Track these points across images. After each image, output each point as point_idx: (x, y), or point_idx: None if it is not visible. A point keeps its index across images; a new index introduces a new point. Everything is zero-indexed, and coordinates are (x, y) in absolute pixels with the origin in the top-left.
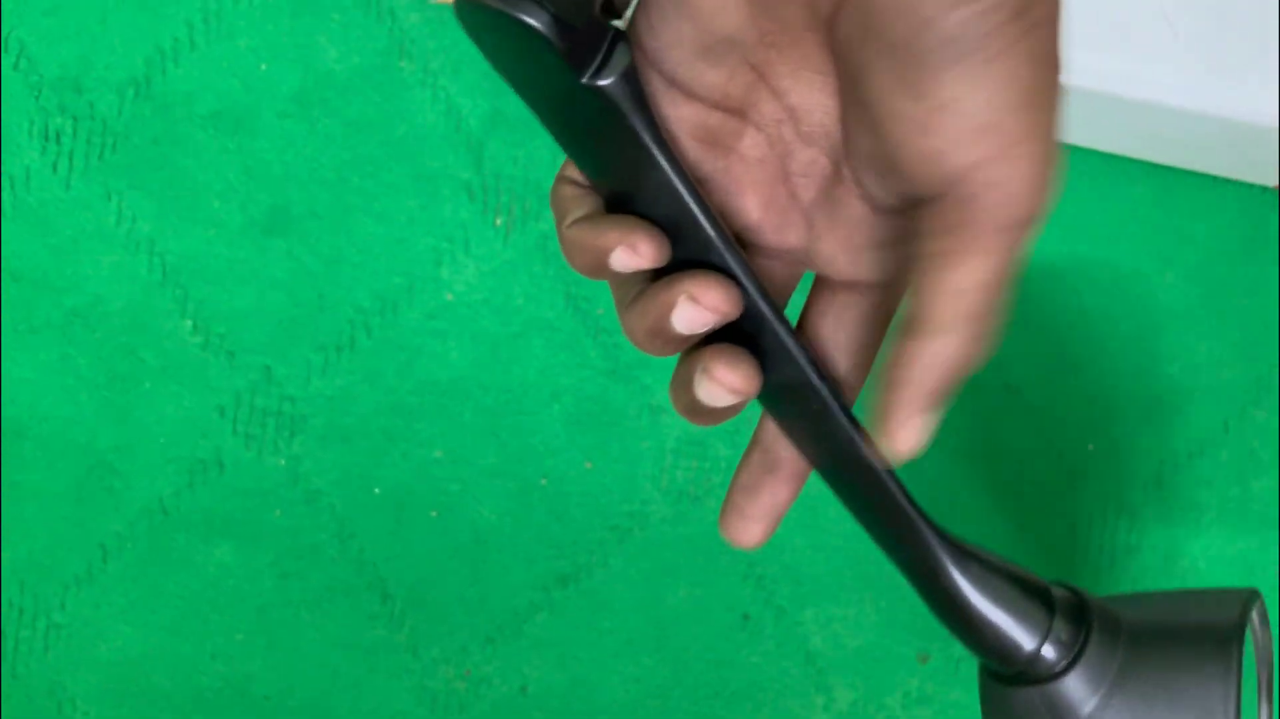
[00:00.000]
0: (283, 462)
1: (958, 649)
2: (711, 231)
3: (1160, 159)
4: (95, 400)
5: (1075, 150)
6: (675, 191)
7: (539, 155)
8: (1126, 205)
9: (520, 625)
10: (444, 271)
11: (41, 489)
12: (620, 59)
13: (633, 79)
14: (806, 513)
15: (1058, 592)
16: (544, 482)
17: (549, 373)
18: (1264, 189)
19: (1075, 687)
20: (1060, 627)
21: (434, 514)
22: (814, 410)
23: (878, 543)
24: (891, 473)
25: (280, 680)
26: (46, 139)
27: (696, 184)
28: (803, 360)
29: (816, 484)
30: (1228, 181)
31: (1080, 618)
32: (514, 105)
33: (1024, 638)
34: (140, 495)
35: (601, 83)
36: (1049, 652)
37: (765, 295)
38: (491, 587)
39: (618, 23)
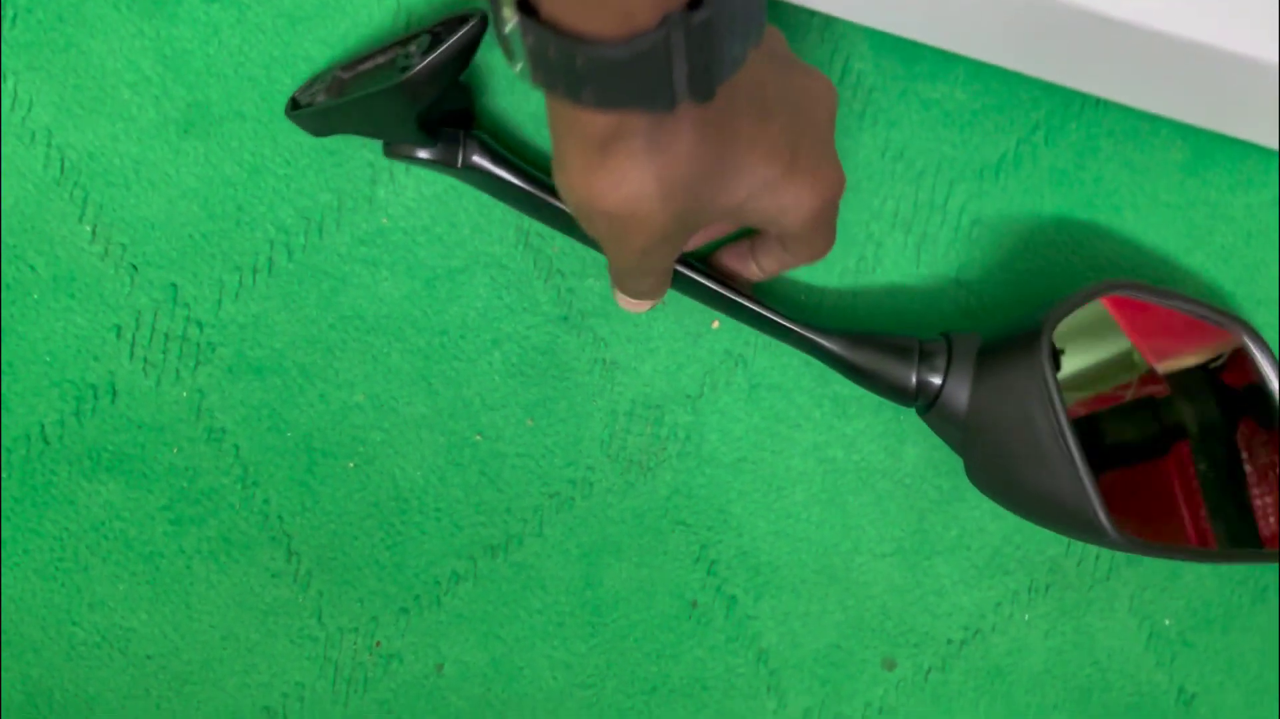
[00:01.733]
0: (184, 394)
1: (927, 657)
2: None
3: (1198, 121)
4: None
5: (1104, 105)
6: None
7: (497, 66)
8: (1156, 173)
9: (439, 597)
10: (380, 191)
11: None
12: (468, 144)
13: (485, 149)
14: (771, 493)
15: (929, 343)
16: (478, 438)
17: (491, 316)
18: None
19: (951, 397)
20: (927, 364)
21: (351, 465)
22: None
23: (781, 339)
24: (775, 309)
25: (166, 639)
26: None
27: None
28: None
29: (787, 465)
30: (1273, 153)
31: (943, 353)
32: (471, 5)
33: (902, 376)
34: (19, 420)
35: (474, 160)
36: (926, 380)
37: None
38: (410, 551)
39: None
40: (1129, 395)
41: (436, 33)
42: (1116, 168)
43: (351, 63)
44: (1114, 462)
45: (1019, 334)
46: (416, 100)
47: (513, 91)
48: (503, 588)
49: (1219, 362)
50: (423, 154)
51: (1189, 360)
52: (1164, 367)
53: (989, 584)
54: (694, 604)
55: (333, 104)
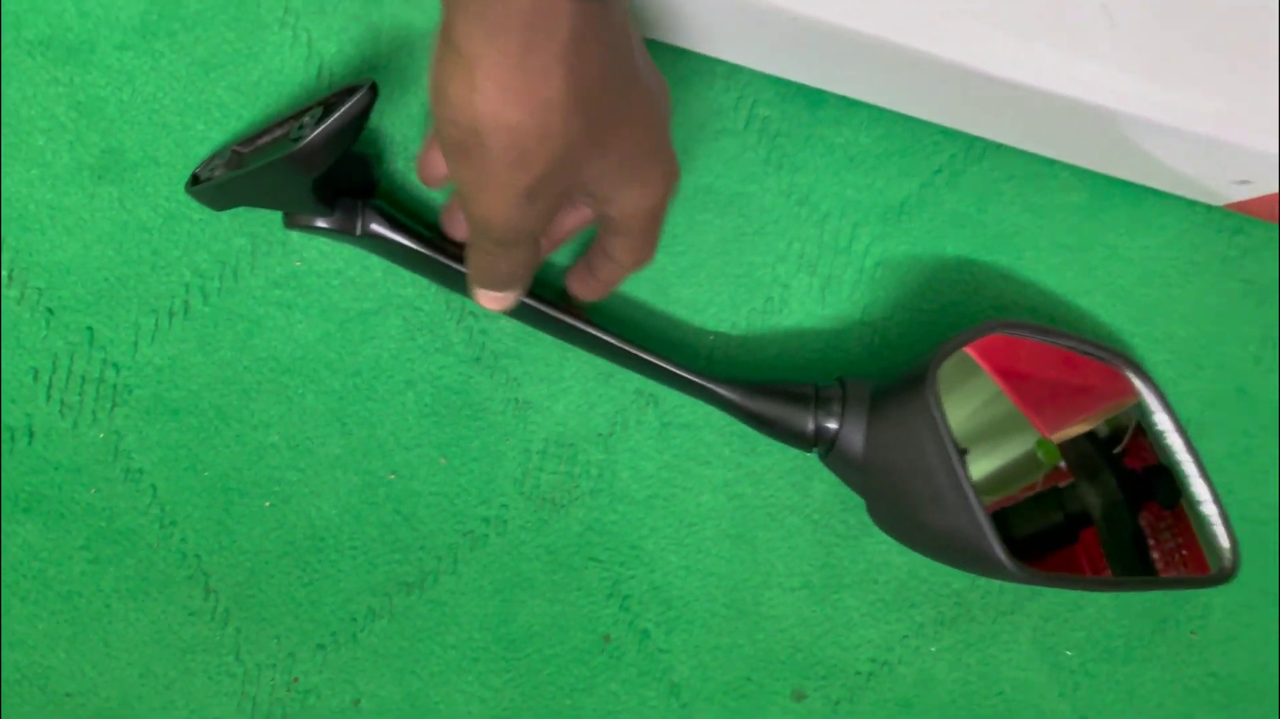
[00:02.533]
0: (102, 435)
1: (836, 689)
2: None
3: (1096, 167)
4: None
5: (1005, 149)
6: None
7: (410, 111)
8: (1055, 215)
9: (356, 633)
10: (293, 235)
11: None
12: (365, 213)
13: (383, 216)
14: (682, 529)
15: (824, 389)
16: (392, 477)
17: (405, 357)
18: (1209, 208)
19: (847, 442)
20: (823, 410)
21: (267, 505)
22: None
23: (680, 390)
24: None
25: (84, 677)
26: None
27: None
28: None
29: (697, 502)
30: (1170, 197)
31: (838, 399)
32: (384, 55)
33: (799, 423)
34: None
35: (372, 228)
36: (823, 426)
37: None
38: (326, 589)
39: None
40: (1036, 489)
41: (329, 104)
42: (1017, 211)
43: (249, 138)
44: (1026, 554)
45: (908, 376)
46: (309, 171)
47: (411, 165)
48: (418, 624)
49: (1119, 447)
50: (321, 223)
51: (1082, 427)
52: (1058, 437)
53: (896, 617)
54: (607, 639)
55: (230, 177)
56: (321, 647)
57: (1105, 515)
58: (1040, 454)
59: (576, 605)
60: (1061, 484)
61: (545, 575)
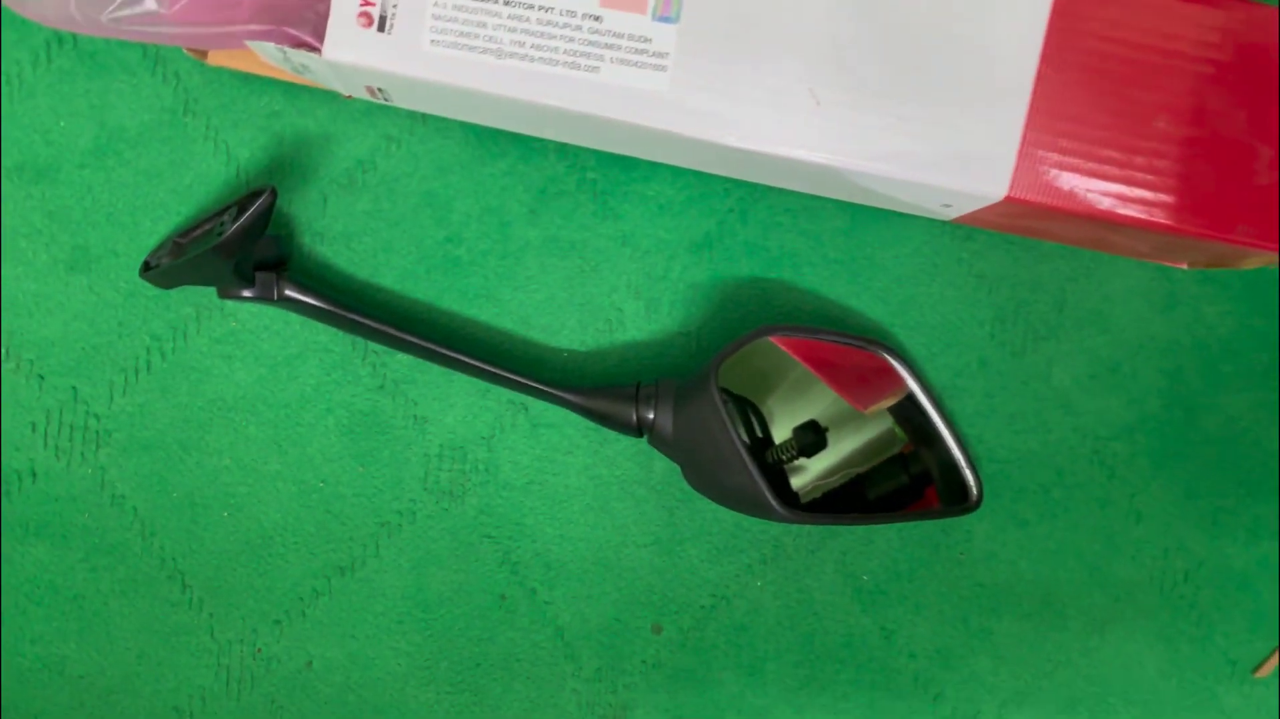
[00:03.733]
0: (90, 471)
1: (686, 621)
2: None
3: (849, 199)
4: None
5: (778, 191)
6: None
7: (309, 199)
8: (825, 238)
9: (304, 609)
10: (227, 303)
11: None
12: (280, 282)
13: (294, 283)
14: (555, 506)
15: (644, 387)
16: (322, 484)
17: (324, 389)
18: (943, 223)
19: (661, 427)
20: (644, 404)
21: (225, 514)
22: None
23: (536, 398)
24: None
25: (92, 662)
26: None
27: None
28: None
29: (565, 484)
30: (912, 217)
31: (653, 395)
32: (286, 155)
33: (626, 415)
34: None
35: (286, 293)
36: (644, 416)
37: None
38: (278, 576)
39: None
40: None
41: (243, 204)
42: (794, 236)
43: (186, 230)
44: (887, 508)
45: (699, 374)
46: (231, 257)
47: (316, 241)
48: (352, 599)
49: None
50: (246, 294)
51: (889, 400)
52: (872, 410)
53: (728, 560)
54: (503, 598)
55: (172, 265)
56: (278, 622)
57: (940, 475)
58: (896, 431)
59: (476, 574)
60: (906, 452)
61: (449, 552)
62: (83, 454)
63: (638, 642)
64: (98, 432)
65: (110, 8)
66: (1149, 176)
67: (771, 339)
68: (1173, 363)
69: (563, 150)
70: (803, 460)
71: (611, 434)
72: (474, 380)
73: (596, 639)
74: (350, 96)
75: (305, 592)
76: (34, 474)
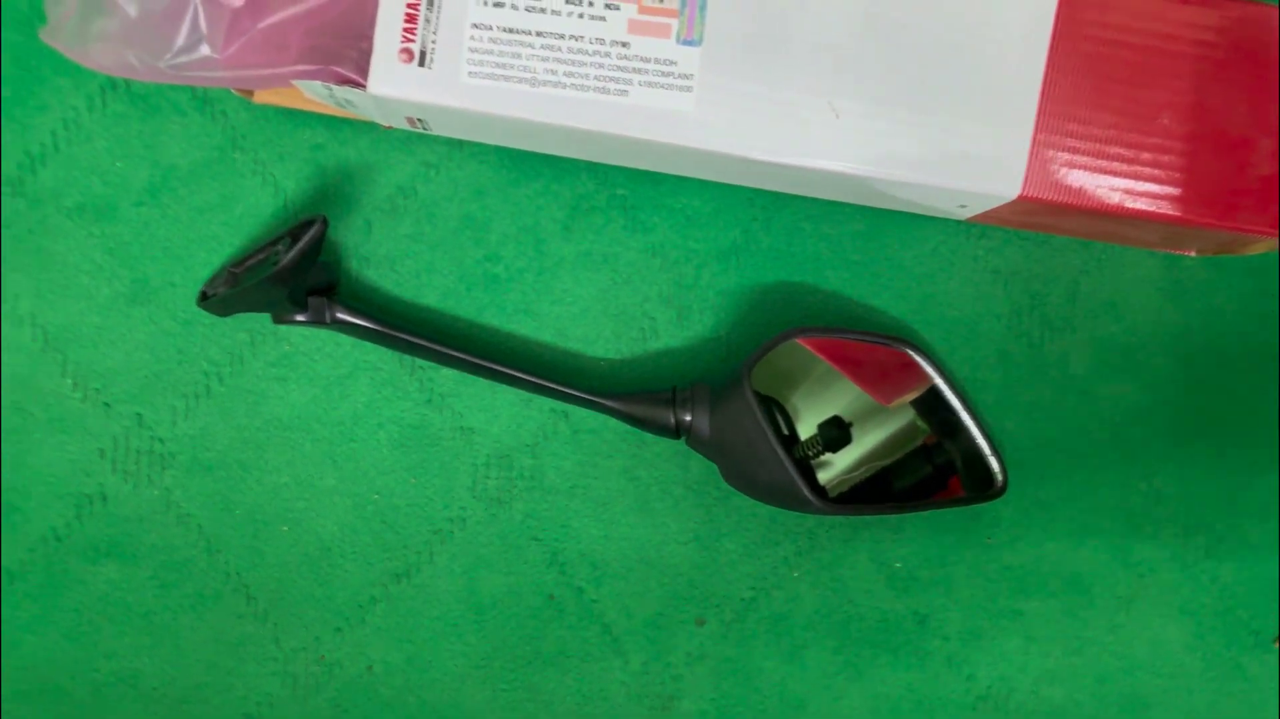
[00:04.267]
0: (156, 492)
1: (728, 613)
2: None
3: (868, 204)
4: None
5: (800, 199)
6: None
7: (354, 225)
8: (845, 241)
9: (364, 616)
10: (281, 327)
11: None
12: (331, 306)
13: (345, 306)
14: (598, 508)
15: (681, 391)
16: (376, 496)
17: (375, 406)
18: (959, 222)
19: (698, 429)
20: (681, 408)
21: (285, 529)
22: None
23: (583, 406)
24: (569, 384)
25: (165, 674)
26: None
27: None
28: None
29: (607, 486)
30: (928, 217)
31: (689, 398)
32: (330, 184)
33: (664, 419)
34: (37, 528)
35: (338, 316)
36: (681, 419)
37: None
38: (337, 585)
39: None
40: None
41: (295, 234)
42: (816, 241)
43: (240, 260)
44: (912, 499)
45: (732, 376)
46: (285, 285)
47: (363, 265)
48: (409, 604)
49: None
50: (299, 318)
51: (911, 394)
52: (896, 404)
53: (765, 553)
54: (552, 597)
55: (229, 294)
56: (339, 629)
57: (966, 465)
58: (918, 423)
59: (525, 576)
60: (929, 443)
61: (499, 556)
62: (149, 477)
63: (682, 635)
64: (162, 455)
65: (168, 55)
66: (1155, 171)
67: (798, 340)
68: (1184, 347)
69: (593, 169)
70: (828, 455)
71: (649, 437)
72: (515, 392)
73: (642, 634)
74: (390, 127)
75: (364, 599)
76: (104, 497)
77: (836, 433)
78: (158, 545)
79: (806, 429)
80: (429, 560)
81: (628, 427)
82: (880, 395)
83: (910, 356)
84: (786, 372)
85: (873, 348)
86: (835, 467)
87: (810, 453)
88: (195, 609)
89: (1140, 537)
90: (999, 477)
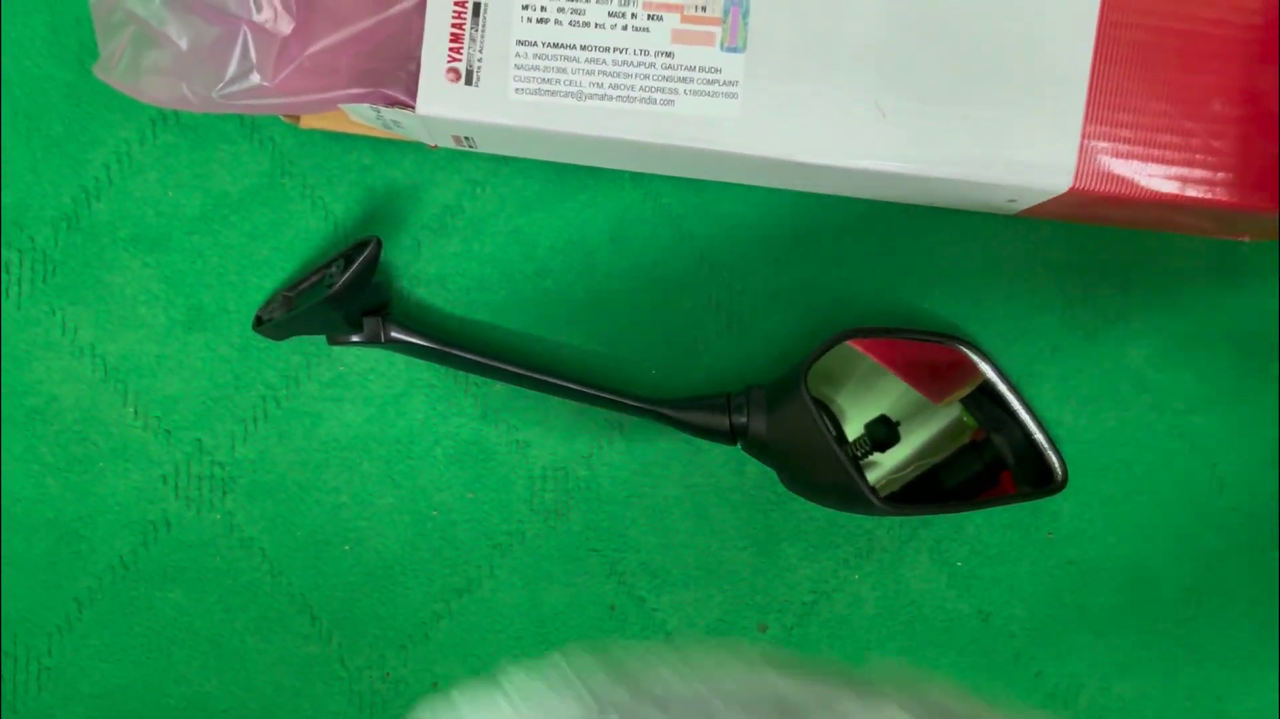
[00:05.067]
0: (218, 517)
1: (789, 618)
2: None
3: (917, 201)
4: (59, 481)
5: (847, 199)
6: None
7: (403, 244)
8: (895, 241)
9: (427, 632)
10: (334, 349)
11: (21, 557)
12: (385, 325)
13: (399, 324)
14: (655, 517)
15: (735, 395)
16: (435, 513)
17: (430, 423)
18: (1007, 217)
19: (754, 432)
20: (736, 412)
21: (347, 548)
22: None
23: (631, 414)
24: (622, 392)
25: (234, 696)
26: None
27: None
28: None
29: (663, 494)
30: (977, 213)
31: (745, 402)
32: (379, 206)
33: (720, 424)
34: (104, 556)
35: (393, 335)
36: (737, 423)
37: None
38: (400, 603)
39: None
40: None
41: (349, 257)
42: (863, 241)
43: (293, 284)
44: (963, 496)
45: (788, 378)
46: (341, 307)
47: (414, 284)
48: (472, 619)
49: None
50: (355, 339)
51: (962, 390)
52: (946, 401)
53: (824, 557)
54: (613, 608)
55: (286, 318)
56: (403, 647)
57: (1015, 459)
58: (965, 419)
59: (585, 587)
60: (979, 440)
61: (559, 568)
62: (211, 501)
63: (745, 640)
64: (223, 479)
65: (219, 85)
66: (1207, 157)
67: (851, 342)
68: (1242, 333)
69: (637, 179)
70: (876, 455)
71: (703, 444)
72: (569, 404)
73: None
74: (436, 146)
75: (427, 615)
76: (168, 524)
77: (885, 432)
78: (222, 569)
79: (853, 429)
80: (490, 574)
81: (682, 434)
82: (930, 393)
83: (963, 354)
84: (832, 373)
85: (923, 346)
86: (883, 466)
87: (859, 453)
88: (261, 631)
89: (1205, 528)
90: (1058, 471)
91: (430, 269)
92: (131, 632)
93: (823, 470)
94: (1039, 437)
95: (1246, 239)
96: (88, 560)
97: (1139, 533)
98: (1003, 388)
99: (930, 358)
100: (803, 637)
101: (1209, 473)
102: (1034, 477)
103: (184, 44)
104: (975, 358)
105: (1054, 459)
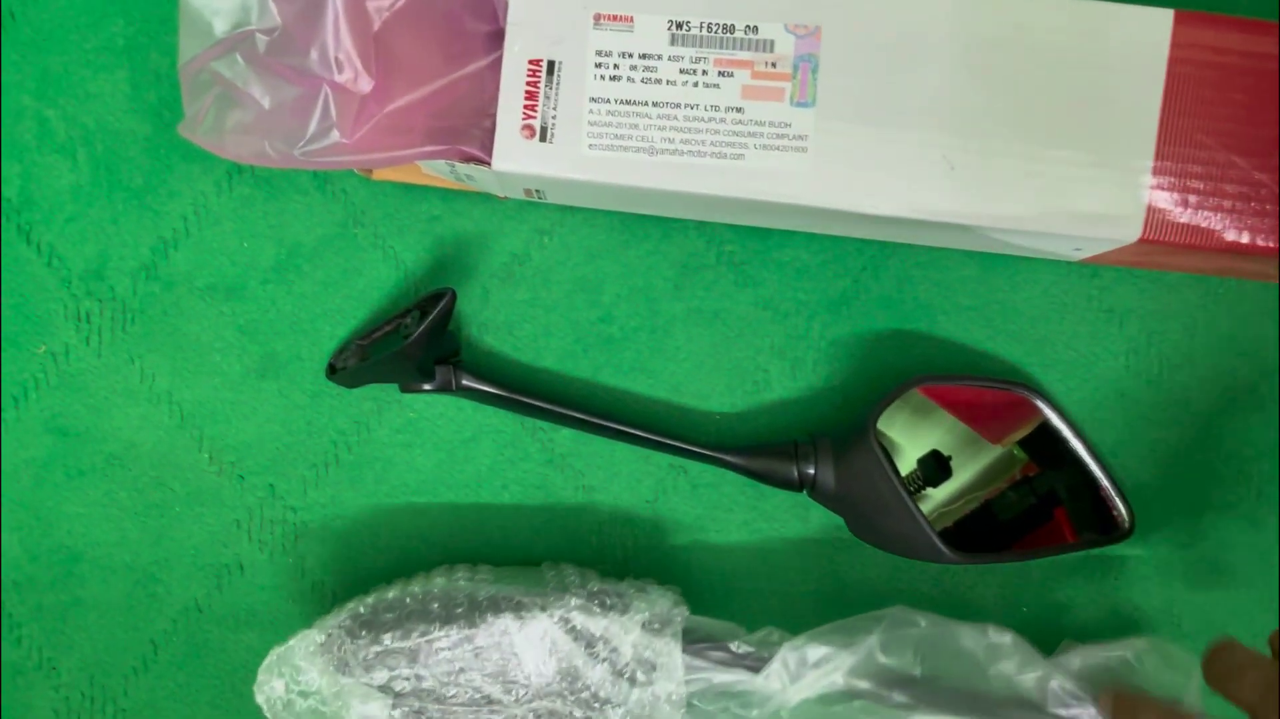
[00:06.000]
0: (291, 560)
1: None
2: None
3: (979, 249)
4: (136, 525)
5: (907, 246)
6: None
7: (473, 295)
8: (957, 287)
9: None
10: (406, 396)
11: (100, 600)
12: (456, 373)
13: (470, 373)
14: (718, 561)
15: (802, 444)
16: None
17: (498, 468)
18: (1070, 263)
19: (823, 481)
20: (803, 460)
21: None
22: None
23: (701, 461)
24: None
25: None
26: (79, 320)
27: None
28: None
29: (727, 539)
30: (1039, 260)
31: (812, 451)
32: (448, 255)
33: (787, 472)
34: (179, 599)
35: (465, 383)
36: (805, 472)
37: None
38: None
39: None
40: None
41: (424, 308)
42: (927, 288)
43: (367, 333)
44: (1015, 532)
45: (857, 427)
46: (416, 356)
47: (482, 331)
48: None
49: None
50: (427, 387)
51: (1022, 432)
52: (1006, 442)
53: (891, 602)
54: None
55: (360, 367)
56: None
57: (1069, 495)
58: (1015, 452)
59: None
60: (1032, 474)
61: None
62: (283, 545)
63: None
64: (295, 524)
65: (300, 143)
66: (1275, 206)
67: (919, 390)
68: None
69: (701, 227)
70: (928, 489)
71: (767, 490)
72: (634, 449)
73: None
74: (505, 197)
75: None
76: (241, 567)
77: (936, 468)
78: (293, 613)
79: (905, 463)
80: None
81: (744, 480)
82: (990, 435)
83: (1029, 399)
84: (900, 418)
85: (988, 392)
86: (933, 499)
87: (911, 489)
88: None
89: (1277, 575)
90: (1125, 518)
91: (499, 317)
92: (205, 674)
93: (892, 519)
94: (1105, 483)
95: None
96: (164, 603)
97: (1207, 580)
98: (1067, 433)
99: (990, 400)
100: None
101: (1278, 521)
102: (1098, 523)
103: (267, 103)
104: (1041, 404)
105: (1121, 506)
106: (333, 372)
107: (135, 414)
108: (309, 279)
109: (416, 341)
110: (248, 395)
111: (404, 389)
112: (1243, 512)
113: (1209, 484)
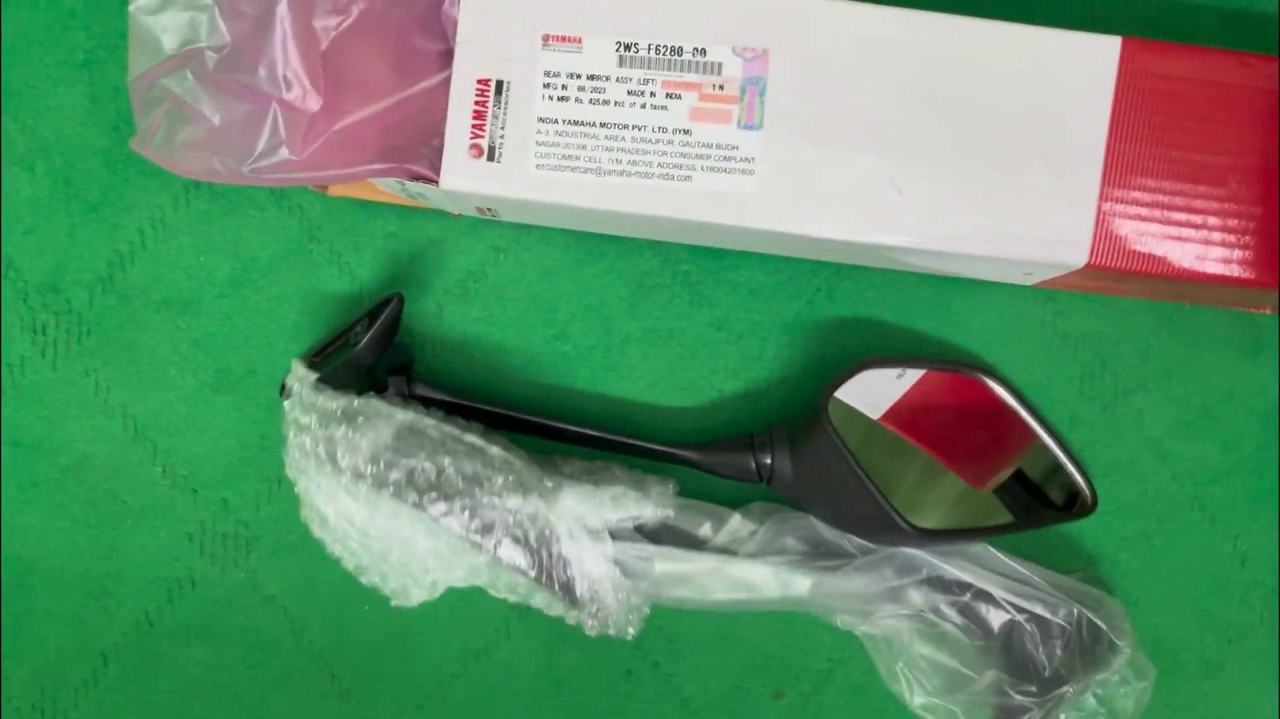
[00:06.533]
0: (242, 575)
1: (805, 685)
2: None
3: (934, 271)
4: (88, 538)
5: (862, 269)
6: None
7: (426, 309)
8: (911, 309)
9: (444, 693)
10: None
11: (50, 612)
12: (411, 383)
13: (423, 382)
14: None
15: (758, 435)
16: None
17: None
18: (1024, 287)
19: (781, 471)
20: (760, 452)
21: (367, 608)
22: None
23: (652, 460)
24: (642, 438)
25: None
26: (35, 332)
27: None
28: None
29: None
30: (994, 284)
31: (768, 441)
32: (404, 269)
33: (744, 464)
34: (130, 612)
35: (417, 392)
36: (762, 463)
37: None
38: (418, 663)
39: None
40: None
41: (373, 314)
42: (882, 310)
43: (319, 349)
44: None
45: (810, 413)
46: (366, 363)
47: (437, 348)
48: (488, 680)
49: None
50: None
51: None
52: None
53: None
54: (629, 672)
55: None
56: (420, 706)
57: (1030, 472)
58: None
59: (602, 651)
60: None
61: (575, 631)
62: (235, 560)
63: (760, 708)
64: (247, 538)
65: (250, 159)
66: (1224, 235)
67: (870, 370)
68: (1264, 405)
69: (656, 247)
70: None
71: (727, 487)
72: (592, 453)
73: (720, 707)
74: (460, 214)
75: (444, 676)
76: (193, 581)
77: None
78: (245, 627)
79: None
80: (506, 637)
81: (704, 478)
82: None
83: (983, 381)
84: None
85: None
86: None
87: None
88: (282, 689)
89: (1226, 601)
90: (1088, 493)
91: (453, 334)
92: (156, 687)
93: (853, 499)
94: (1064, 460)
95: (1268, 311)
96: (115, 616)
97: (1159, 606)
98: (1024, 414)
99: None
100: (819, 704)
101: (1231, 546)
102: (1065, 502)
103: (217, 120)
104: (995, 385)
105: (1082, 482)
106: (285, 390)
107: (89, 426)
108: (264, 294)
109: (366, 347)
110: (202, 409)
111: None
112: (1196, 537)
113: (1162, 508)
